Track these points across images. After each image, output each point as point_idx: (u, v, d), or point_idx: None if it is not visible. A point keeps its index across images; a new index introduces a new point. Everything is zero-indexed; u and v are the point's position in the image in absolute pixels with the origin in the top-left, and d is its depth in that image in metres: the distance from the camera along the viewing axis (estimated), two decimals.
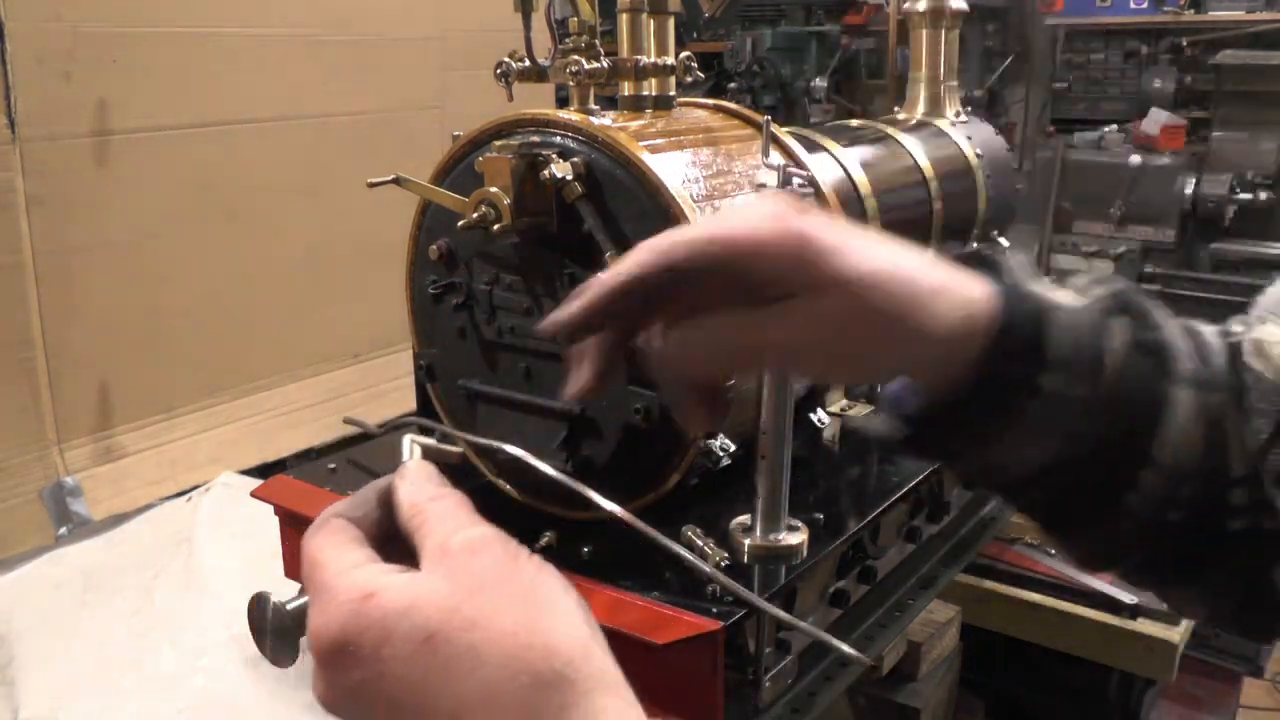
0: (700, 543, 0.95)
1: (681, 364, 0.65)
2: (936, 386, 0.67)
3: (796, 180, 0.87)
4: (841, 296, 0.62)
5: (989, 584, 1.98)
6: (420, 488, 0.61)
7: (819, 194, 1.18)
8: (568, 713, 0.49)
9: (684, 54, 1.17)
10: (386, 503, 0.62)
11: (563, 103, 1.17)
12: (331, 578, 0.57)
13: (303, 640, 1.01)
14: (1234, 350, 0.72)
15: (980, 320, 0.65)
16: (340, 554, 0.58)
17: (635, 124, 1.09)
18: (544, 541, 1.00)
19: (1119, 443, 0.67)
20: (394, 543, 0.60)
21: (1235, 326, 0.74)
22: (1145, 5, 5.17)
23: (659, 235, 0.64)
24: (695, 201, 0.99)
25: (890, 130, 1.58)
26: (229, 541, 1.64)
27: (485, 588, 0.53)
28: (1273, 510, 0.69)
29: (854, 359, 0.66)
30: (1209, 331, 0.74)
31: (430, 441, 0.67)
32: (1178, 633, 1.84)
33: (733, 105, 1.26)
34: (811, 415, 1.23)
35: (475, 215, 0.98)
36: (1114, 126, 4.93)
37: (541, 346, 1.04)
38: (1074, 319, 0.67)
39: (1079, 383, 0.66)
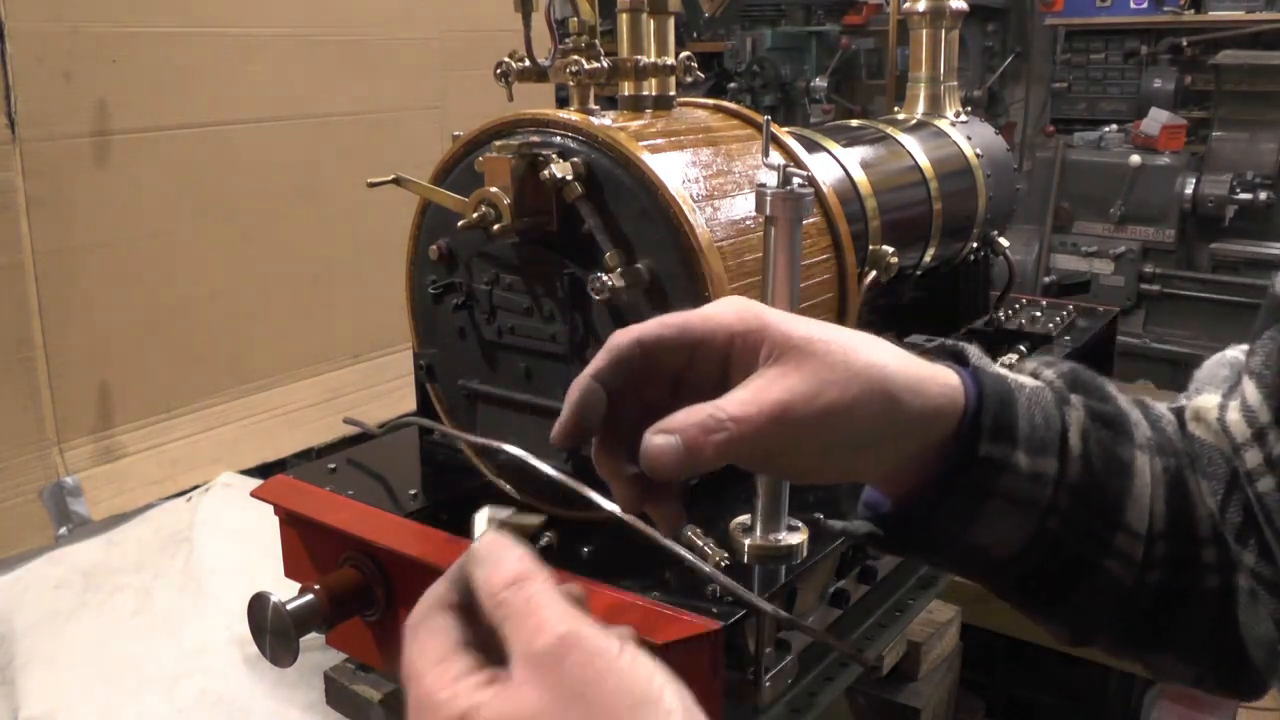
0: (700, 543, 0.95)
1: (654, 467, 0.63)
2: (905, 476, 0.69)
3: (796, 180, 0.86)
4: (810, 369, 0.64)
5: None
6: (496, 571, 0.58)
7: (819, 194, 1.18)
8: None
9: (684, 54, 1.17)
10: (467, 587, 0.59)
11: (563, 103, 1.17)
12: (425, 694, 0.55)
13: (302, 641, 1.01)
14: (1180, 418, 0.76)
15: (955, 402, 0.67)
16: (433, 662, 0.56)
17: (635, 124, 1.09)
18: (544, 541, 1.00)
19: (1091, 511, 0.70)
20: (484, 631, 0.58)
21: (1180, 400, 0.78)
22: (1145, 5, 5.17)
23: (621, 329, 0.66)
24: (695, 201, 0.99)
25: (890, 130, 1.58)
26: (229, 541, 1.64)
27: (576, 699, 0.52)
28: (1240, 567, 0.71)
29: (822, 439, 0.64)
30: (1158, 406, 0.78)
31: (506, 513, 0.62)
32: None
33: (733, 105, 1.26)
34: None
35: (475, 215, 0.98)
36: (1114, 126, 4.93)
37: (542, 347, 1.04)
38: (1037, 397, 0.70)
39: (1048, 458, 0.69)
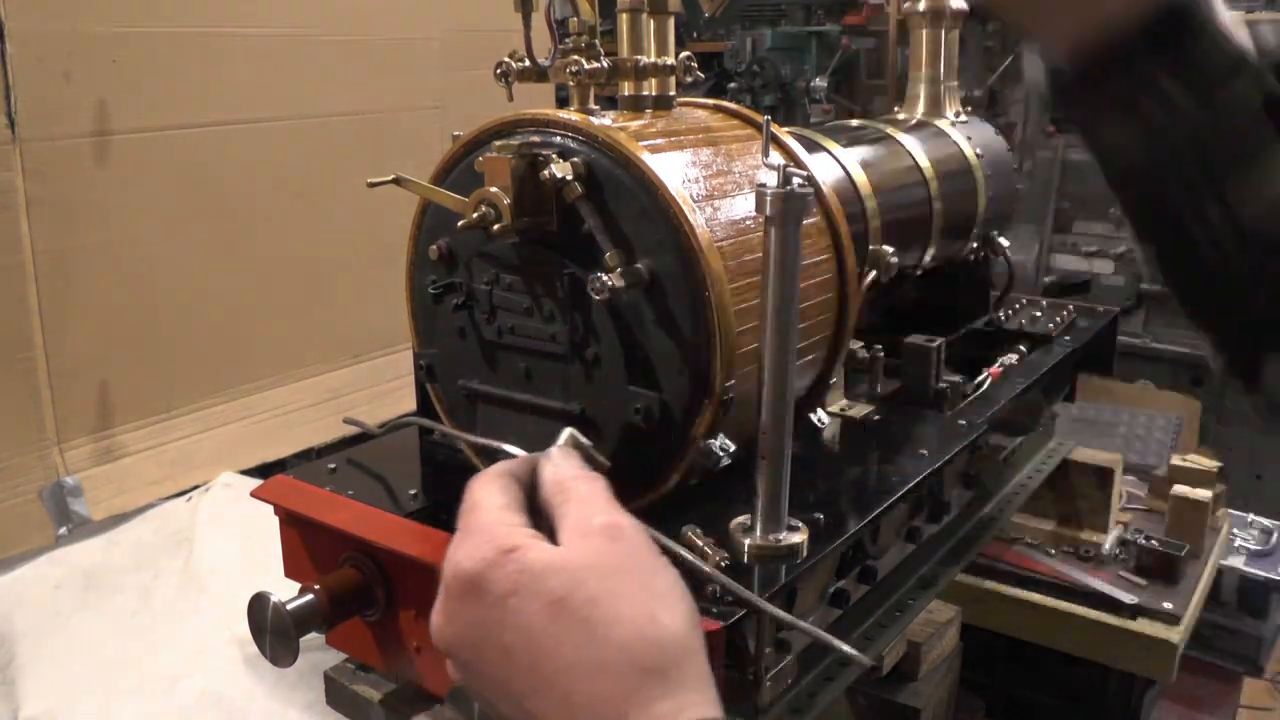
0: (700, 543, 0.95)
1: None
2: (1084, 52, 0.72)
3: (796, 180, 0.86)
4: None
5: (989, 584, 1.97)
6: (566, 469, 0.67)
7: (819, 194, 1.18)
8: (658, 703, 0.55)
9: (684, 54, 1.17)
10: (531, 478, 0.67)
11: (563, 103, 1.17)
12: (484, 523, 0.62)
13: (302, 641, 1.01)
14: None
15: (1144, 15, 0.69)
16: (498, 506, 0.64)
17: (635, 124, 1.09)
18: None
19: (1201, 167, 0.71)
20: (534, 516, 0.65)
21: None
22: None
23: None
24: (695, 201, 0.99)
25: (890, 130, 1.58)
26: (229, 541, 1.64)
27: (615, 573, 0.59)
28: None
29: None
30: None
31: (585, 442, 0.72)
32: (1178, 633, 1.84)
33: (733, 105, 1.26)
34: (811, 415, 1.23)
35: (475, 215, 0.97)
36: None
37: (542, 347, 1.04)
38: (1222, 44, 0.70)
39: (1190, 96, 0.70)
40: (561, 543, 0.61)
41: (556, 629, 0.57)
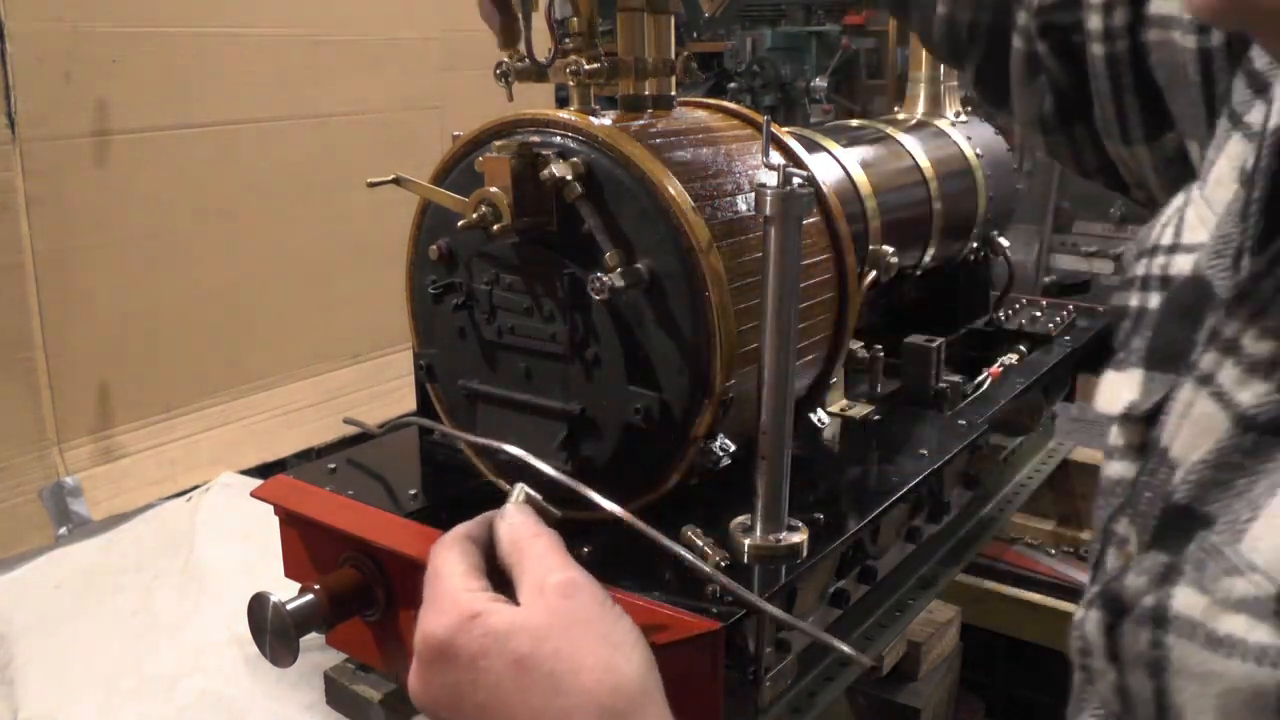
0: (700, 543, 0.95)
1: None
2: None
3: (796, 180, 0.86)
4: None
5: (989, 584, 1.98)
6: (521, 527, 0.71)
7: (819, 194, 1.18)
8: None
9: (684, 54, 1.17)
10: (489, 537, 0.72)
11: (563, 103, 1.17)
12: (449, 591, 0.67)
13: (302, 641, 1.01)
14: None
15: None
16: (460, 573, 0.68)
17: (635, 124, 1.09)
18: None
19: None
20: (497, 571, 0.71)
21: None
22: None
23: None
24: (695, 201, 0.99)
25: (890, 130, 1.58)
26: (229, 541, 1.64)
27: (573, 626, 0.63)
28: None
29: None
30: None
31: (537, 496, 0.77)
32: None
33: (733, 105, 1.26)
34: (811, 415, 1.23)
35: (475, 215, 0.97)
36: None
37: (542, 347, 1.04)
38: None
39: None
40: (521, 602, 0.66)
41: (524, 684, 0.61)
